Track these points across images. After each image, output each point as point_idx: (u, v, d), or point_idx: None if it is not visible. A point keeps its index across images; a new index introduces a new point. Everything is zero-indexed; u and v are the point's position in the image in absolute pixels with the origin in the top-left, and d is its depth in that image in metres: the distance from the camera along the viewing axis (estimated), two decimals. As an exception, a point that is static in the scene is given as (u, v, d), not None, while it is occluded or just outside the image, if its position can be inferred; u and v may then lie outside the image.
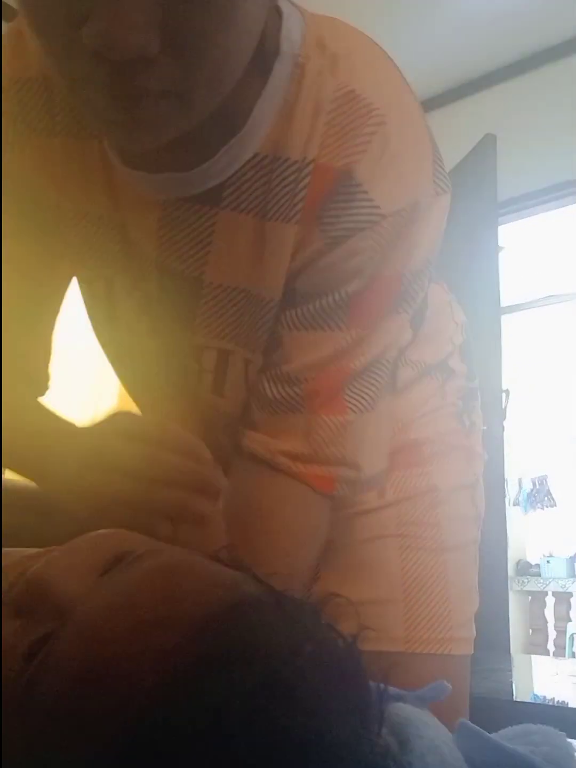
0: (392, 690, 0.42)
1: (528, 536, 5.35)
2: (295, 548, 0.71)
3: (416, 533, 0.83)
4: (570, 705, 1.83)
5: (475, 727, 0.44)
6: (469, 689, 0.85)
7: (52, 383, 0.83)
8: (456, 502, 0.87)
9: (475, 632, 0.84)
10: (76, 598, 0.39)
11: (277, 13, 0.64)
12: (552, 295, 5.22)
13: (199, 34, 0.49)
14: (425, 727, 0.42)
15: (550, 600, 5.01)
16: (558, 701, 1.89)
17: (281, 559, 0.68)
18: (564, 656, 4.73)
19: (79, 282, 0.82)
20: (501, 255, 2.52)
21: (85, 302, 0.84)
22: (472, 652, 0.84)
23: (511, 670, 2.04)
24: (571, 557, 5.02)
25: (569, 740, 0.47)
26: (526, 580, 5.12)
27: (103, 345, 0.88)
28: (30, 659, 0.38)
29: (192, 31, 0.48)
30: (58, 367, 0.86)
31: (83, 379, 2.80)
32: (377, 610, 0.79)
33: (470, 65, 3.06)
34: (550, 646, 4.88)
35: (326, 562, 0.84)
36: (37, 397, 0.78)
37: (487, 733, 0.44)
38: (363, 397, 0.70)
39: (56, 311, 0.83)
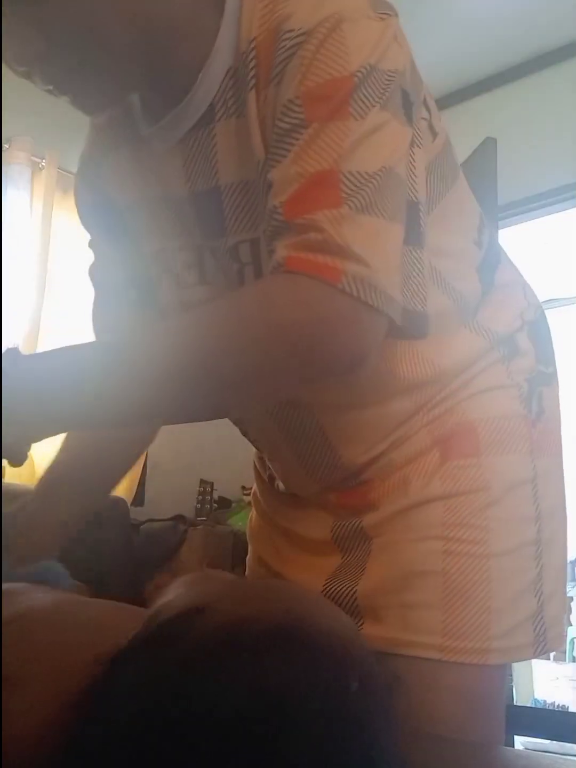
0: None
1: (528, 540, 5.34)
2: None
3: (462, 536, 0.80)
4: (570, 709, 1.82)
5: None
6: (504, 697, 0.84)
7: None
8: (510, 502, 0.82)
9: (529, 637, 0.81)
10: None
11: None
12: (553, 299, 5.22)
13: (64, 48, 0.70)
14: None
15: (550, 604, 4.98)
16: (558, 705, 1.89)
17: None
18: (564, 661, 4.71)
19: (152, 260, 0.90)
20: (501, 258, 2.52)
21: (156, 279, 0.90)
22: (518, 659, 0.83)
23: (511, 675, 2.03)
24: (571, 561, 5.01)
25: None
26: (526, 584, 5.11)
27: (169, 313, 0.91)
28: None
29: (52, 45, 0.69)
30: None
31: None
32: (416, 614, 0.78)
33: (471, 68, 3.06)
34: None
35: (372, 557, 0.84)
36: None
37: None
38: (362, 195, 0.65)
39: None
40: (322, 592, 0.86)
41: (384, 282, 0.64)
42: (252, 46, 0.72)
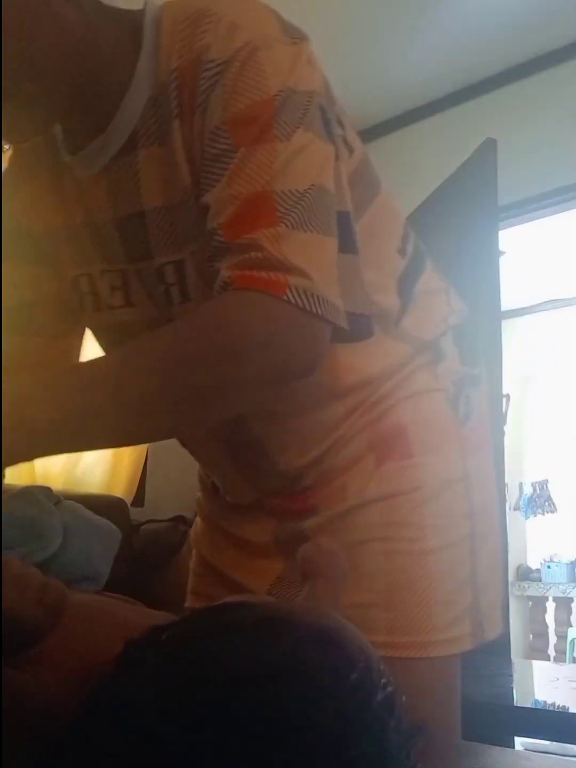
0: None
1: (528, 541, 5.35)
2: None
3: (400, 535, 0.83)
4: (571, 710, 1.82)
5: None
6: (458, 688, 0.86)
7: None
8: (444, 499, 0.86)
9: (467, 628, 0.85)
10: None
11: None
12: (553, 300, 5.23)
13: None
14: None
15: (550, 605, 5.01)
16: (559, 706, 1.88)
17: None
18: (565, 661, 4.72)
19: (70, 286, 0.91)
20: (502, 259, 2.52)
21: (77, 303, 0.92)
22: (459, 650, 0.85)
23: (511, 676, 2.04)
24: (571, 562, 5.01)
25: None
26: (526, 586, 5.12)
27: (97, 338, 0.96)
28: None
29: None
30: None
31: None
32: (360, 613, 0.80)
33: (471, 69, 3.06)
34: (551, 651, 4.89)
35: None
36: None
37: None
38: (296, 213, 0.69)
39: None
40: (268, 595, 0.88)
41: (325, 291, 0.69)
42: (173, 76, 0.75)
